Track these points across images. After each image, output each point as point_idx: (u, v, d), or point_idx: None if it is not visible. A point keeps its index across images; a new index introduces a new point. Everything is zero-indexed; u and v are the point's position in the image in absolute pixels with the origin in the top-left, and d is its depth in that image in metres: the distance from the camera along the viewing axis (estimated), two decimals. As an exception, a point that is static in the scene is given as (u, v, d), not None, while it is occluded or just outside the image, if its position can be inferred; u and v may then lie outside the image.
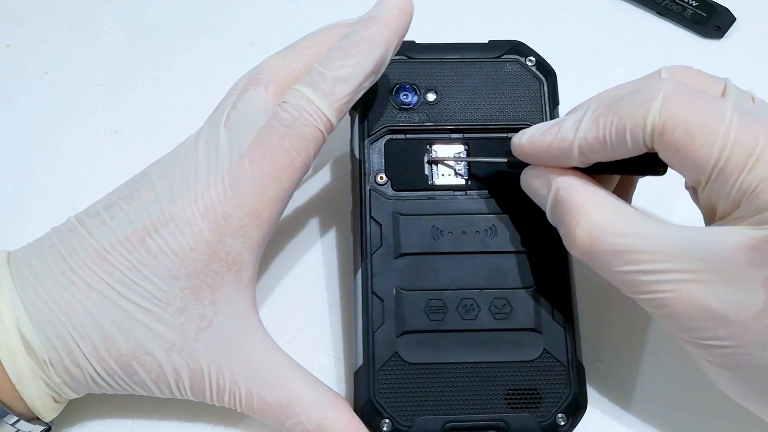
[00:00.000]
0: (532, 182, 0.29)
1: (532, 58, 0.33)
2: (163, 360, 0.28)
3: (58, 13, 0.44)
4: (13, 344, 0.27)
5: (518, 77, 0.33)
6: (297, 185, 0.30)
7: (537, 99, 0.33)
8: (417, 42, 0.33)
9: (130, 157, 0.31)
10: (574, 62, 0.42)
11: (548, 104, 0.33)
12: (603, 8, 0.45)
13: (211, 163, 0.28)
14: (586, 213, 0.27)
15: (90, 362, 0.28)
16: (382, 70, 0.30)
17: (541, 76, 0.33)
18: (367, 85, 0.29)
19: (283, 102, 0.29)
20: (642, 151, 0.26)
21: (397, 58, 0.31)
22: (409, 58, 0.33)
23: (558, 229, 0.28)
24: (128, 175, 0.30)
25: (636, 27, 0.44)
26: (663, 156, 0.26)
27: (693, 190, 0.28)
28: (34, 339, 0.27)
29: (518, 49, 0.34)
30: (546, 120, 0.32)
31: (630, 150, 0.26)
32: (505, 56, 0.33)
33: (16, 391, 0.27)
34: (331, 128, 0.29)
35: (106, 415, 0.32)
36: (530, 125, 0.31)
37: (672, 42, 0.43)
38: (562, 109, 0.34)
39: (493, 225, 0.31)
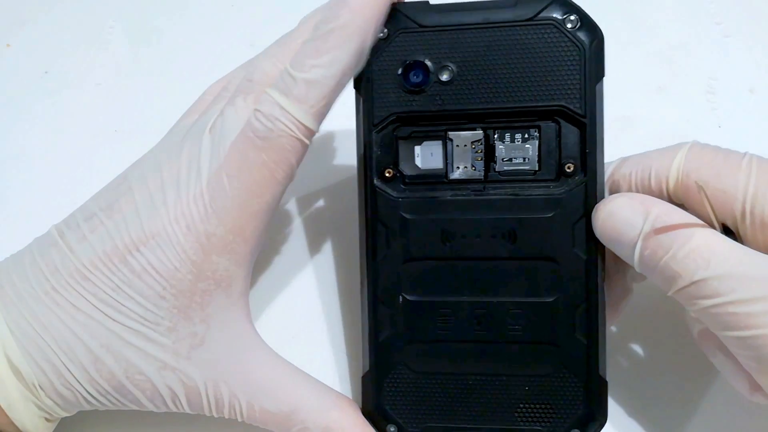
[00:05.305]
0: (621, 212, 0.26)
1: (573, 16, 0.27)
2: (156, 379, 0.27)
3: (58, 13, 0.44)
4: (0, 369, 0.26)
5: (553, 45, 0.27)
6: (282, 195, 0.28)
7: (575, 73, 0.27)
8: (431, 3, 0.28)
9: (130, 157, 0.31)
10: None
11: (590, 78, 0.27)
12: (603, 7, 0.45)
13: (192, 174, 0.27)
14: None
15: (81, 384, 0.27)
16: (363, 62, 0.27)
17: (583, 39, 0.27)
18: (346, 81, 0.27)
19: (256, 110, 0.27)
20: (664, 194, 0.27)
21: (406, 26, 0.27)
22: (420, 26, 0.28)
23: (651, 269, 0.25)
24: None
25: (636, 27, 0.44)
26: (689, 196, 0.27)
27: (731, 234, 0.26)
28: (22, 363, 0.26)
29: (558, 3, 0.27)
30: (583, 99, 0.27)
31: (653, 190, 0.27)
32: (540, 16, 0.27)
33: (7, 416, 0.27)
34: (312, 134, 0.27)
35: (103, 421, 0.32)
36: (564, 107, 0.27)
37: (671, 42, 0.43)
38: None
39: (512, 228, 0.27)
